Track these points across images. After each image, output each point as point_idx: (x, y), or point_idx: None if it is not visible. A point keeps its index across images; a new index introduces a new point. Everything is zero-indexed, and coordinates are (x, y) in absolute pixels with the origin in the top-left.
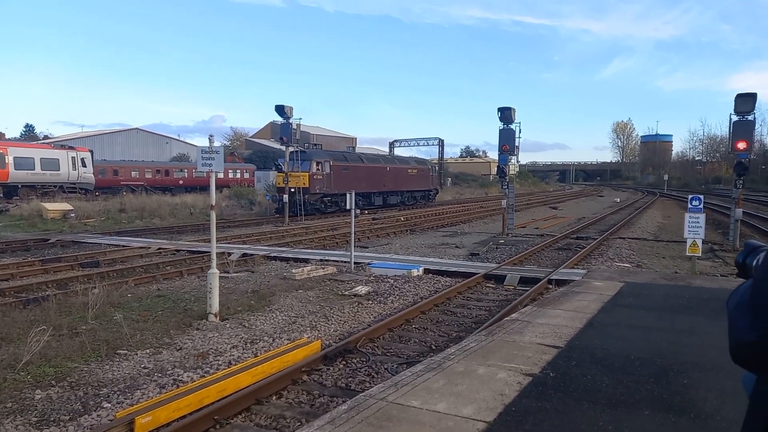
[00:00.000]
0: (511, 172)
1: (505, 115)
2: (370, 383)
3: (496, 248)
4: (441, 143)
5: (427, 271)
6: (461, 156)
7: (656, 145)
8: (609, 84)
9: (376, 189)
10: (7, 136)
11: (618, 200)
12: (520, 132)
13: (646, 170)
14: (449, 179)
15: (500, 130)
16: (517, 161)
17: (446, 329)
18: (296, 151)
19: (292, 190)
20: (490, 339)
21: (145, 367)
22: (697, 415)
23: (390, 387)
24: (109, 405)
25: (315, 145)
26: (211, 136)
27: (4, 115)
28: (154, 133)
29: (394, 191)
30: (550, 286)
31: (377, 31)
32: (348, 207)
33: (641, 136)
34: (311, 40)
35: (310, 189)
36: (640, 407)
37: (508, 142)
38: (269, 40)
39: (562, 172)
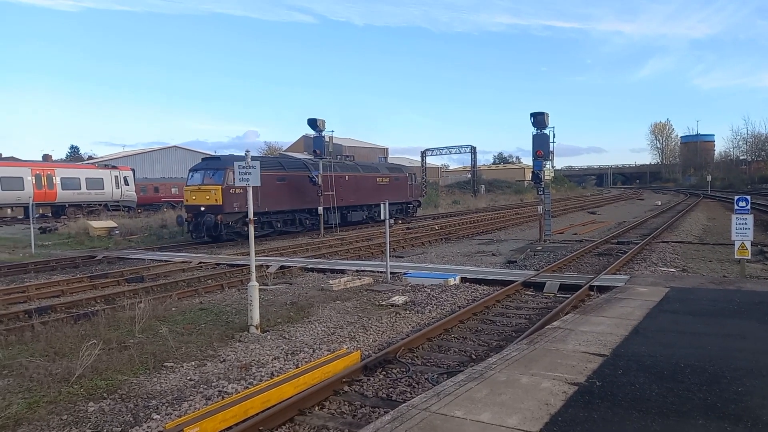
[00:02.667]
0: (547, 177)
1: (539, 120)
2: (411, 393)
3: (534, 255)
4: (473, 150)
5: (463, 279)
6: (494, 163)
7: (697, 145)
8: (644, 85)
9: (330, 203)
10: (53, 158)
11: (659, 203)
12: (554, 137)
13: (688, 171)
14: (483, 186)
15: (534, 136)
16: (552, 166)
17: (486, 338)
18: (208, 158)
19: (202, 208)
20: (531, 348)
21: (191, 379)
22: (755, 423)
23: (432, 397)
24: (159, 416)
25: (347, 156)
26: (248, 151)
27: (50, 137)
28: (192, 150)
29: (356, 205)
30: (592, 293)
31: (406, 42)
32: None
33: (681, 137)
34: (342, 54)
35: (224, 207)
36: (693, 416)
37: (542, 147)
38: (301, 55)
39: (599, 176)
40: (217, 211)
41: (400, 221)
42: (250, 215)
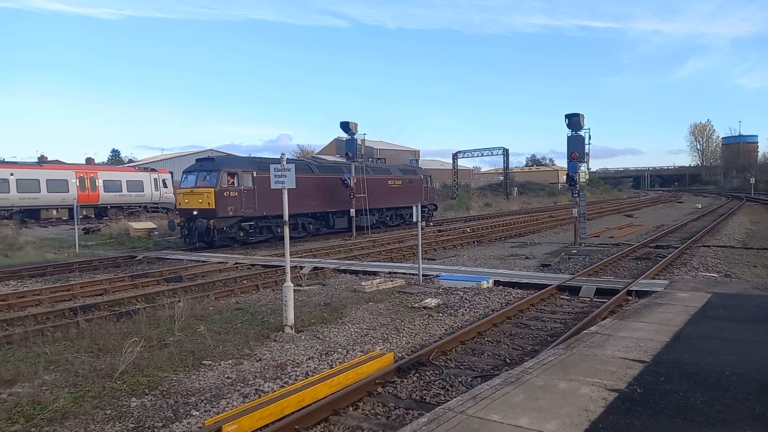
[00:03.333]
0: (582, 179)
1: (573, 121)
2: (445, 396)
3: (569, 259)
4: (506, 153)
5: (497, 282)
6: (527, 165)
7: (740, 146)
8: (684, 85)
9: (337, 207)
10: (96, 161)
11: (699, 206)
12: (589, 138)
13: (730, 173)
14: (515, 189)
15: (568, 137)
16: (588, 168)
17: (520, 342)
18: (202, 159)
19: (195, 212)
20: (569, 353)
21: (228, 377)
22: None
23: (469, 400)
24: (198, 413)
25: (378, 159)
26: (283, 154)
27: (92, 141)
28: (227, 154)
29: (365, 209)
30: (630, 298)
31: (438, 45)
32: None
33: (722, 138)
34: (374, 57)
35: (217, 211)
36: (741, 426)
37: (577, 149)
38: (333, 59)
39: (636, 178)
40: (209, 215)
41: (430, 224)
42: (285, 217)
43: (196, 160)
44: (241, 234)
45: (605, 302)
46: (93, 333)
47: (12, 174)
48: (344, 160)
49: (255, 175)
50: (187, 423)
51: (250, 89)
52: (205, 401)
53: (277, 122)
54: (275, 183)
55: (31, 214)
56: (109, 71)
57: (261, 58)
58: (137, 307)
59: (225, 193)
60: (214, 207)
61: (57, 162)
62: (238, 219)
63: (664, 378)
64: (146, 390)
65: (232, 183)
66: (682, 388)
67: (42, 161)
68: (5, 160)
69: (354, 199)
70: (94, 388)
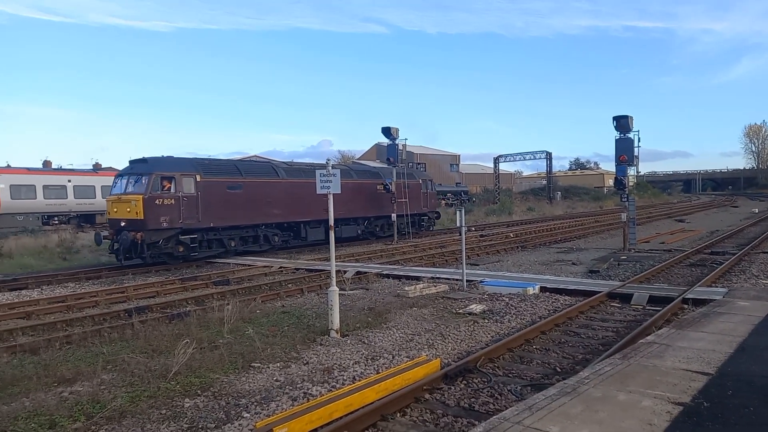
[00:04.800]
0: (630, 183)
1: (622, 123)
2: (494, 404)
3: (618, 265)
4: (549, 156)
5: (543, 289)
6: (570, 169)
7: None
8: (736, 85)
9: (311, 216)
10: None
11: (756, 211)
12: (639, 141)
13: None
14: (558, 193)
15: (617, 140)
16: (637, 172)
17: (570, 351)
18: (134, 161)
19: (122, 224)
20: (626, 363)
21: (276, 380)
22: None
23: (524, 410)
24: (248, 415)
25: (418, 164)
26: (328, 159)
27: (143, 148)
28: (269, 160)
29: (348, 218)
30: (686, 306)
31: (480, 49)
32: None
33: None
34: (415, 62)
35: (147, 222)
36: None
37: (626, 152)
38: (375, 65)
39: (686, 182)
40: (138, 227)
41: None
42: (331, 222)
43: (129, 162)
44: (181, 249)
45: (660, 310)
46: (147, 334)
47: (69, 181)
48: (320, 162)
49: (198, 179)
50: (239, 425)
51: (293, 96)
52: (255, 403)
53: (318, 128)
54: (321, 188)
55: (87, 219)
56: (157, 79)
57: (304, 65)
58: (188, 309)
59: (157, 201)
60: (142, 217)
61: (110, 169)
62: (176, 231)
63: (732, 391)
64: (199, 391)
65: (168, 189)
66: (752, 402)
67: (97, 168)
68: (63, 167)
69: (395, 203)
70: (149, 388)
